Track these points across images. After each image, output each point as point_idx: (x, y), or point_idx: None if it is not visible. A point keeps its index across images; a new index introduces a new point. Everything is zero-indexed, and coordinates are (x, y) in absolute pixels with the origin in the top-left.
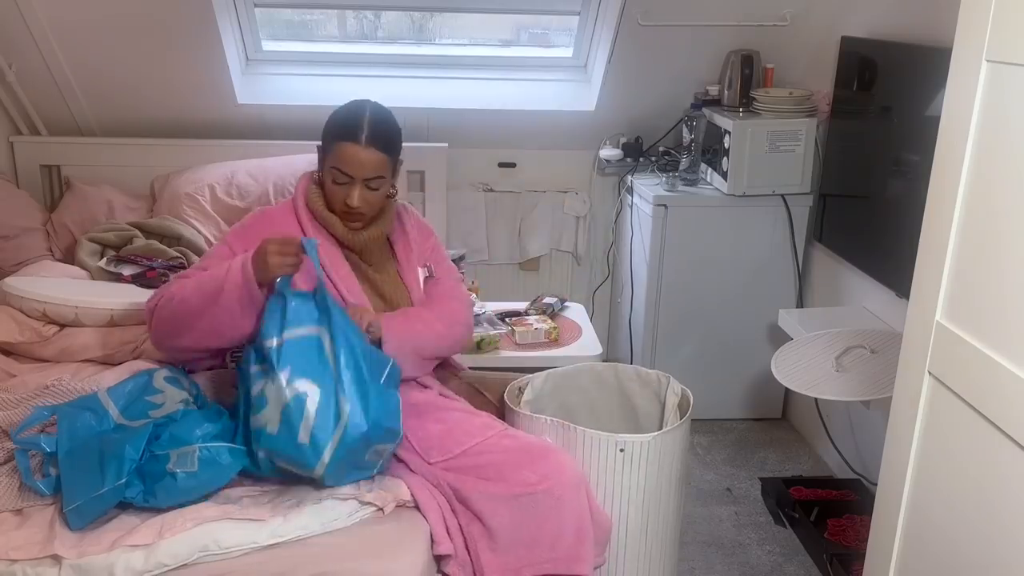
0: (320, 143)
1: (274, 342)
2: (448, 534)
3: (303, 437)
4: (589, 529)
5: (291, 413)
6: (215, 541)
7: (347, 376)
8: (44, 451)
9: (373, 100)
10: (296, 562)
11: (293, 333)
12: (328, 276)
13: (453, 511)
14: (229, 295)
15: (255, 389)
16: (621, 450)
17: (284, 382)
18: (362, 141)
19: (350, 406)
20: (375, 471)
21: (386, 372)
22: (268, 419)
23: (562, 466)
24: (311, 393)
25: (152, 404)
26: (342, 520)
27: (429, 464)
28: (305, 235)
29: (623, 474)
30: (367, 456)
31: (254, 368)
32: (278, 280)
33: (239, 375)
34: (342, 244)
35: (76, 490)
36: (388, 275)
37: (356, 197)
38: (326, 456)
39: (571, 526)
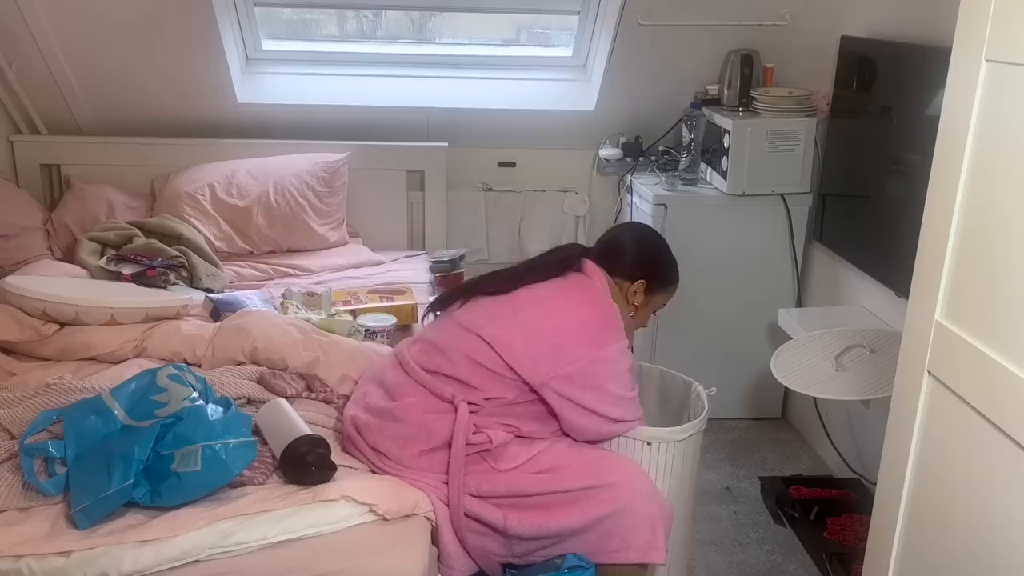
0: (657, 282)
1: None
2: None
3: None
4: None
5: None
6: (225, 537)
7: None
8: (53, 456)
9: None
10: (301, 561)
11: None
12: None
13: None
14: None
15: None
16: (648, 444)
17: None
18: None
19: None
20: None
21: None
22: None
23: (629, 476)
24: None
25: (157, 403)
26: (352, 519)
27: (498, 473)
28: None
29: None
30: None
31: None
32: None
33: None
34: None
35: (84, 492)
36: None
37: None
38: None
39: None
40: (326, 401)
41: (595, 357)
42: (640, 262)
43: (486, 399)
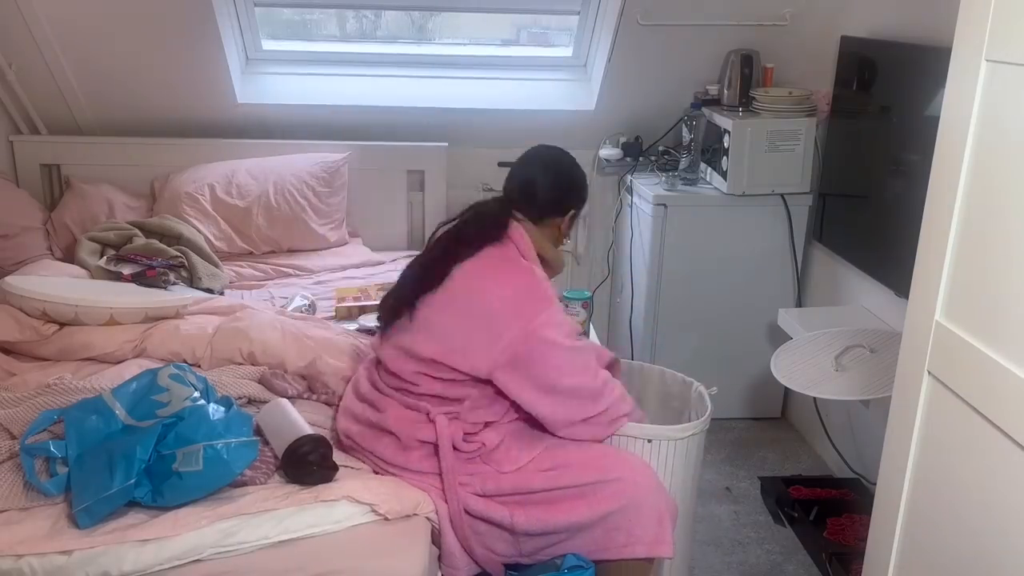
0: (580, 205)
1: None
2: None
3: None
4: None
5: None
6: (226, 537)
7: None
8: (54, 456)
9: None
10: (302, 560)
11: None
12: None
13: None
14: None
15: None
16: (648, 441)
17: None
18: None
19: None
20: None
21: None
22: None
23: (634, 471)
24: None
25: (159, 403)
26: (354, 519)
27: (503, 473)
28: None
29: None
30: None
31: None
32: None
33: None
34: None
35: (86, 491)
36: None
37: None
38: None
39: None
40: (327, 403)
41: (527, 333)
42: (562, 196)
43: (459, 402)
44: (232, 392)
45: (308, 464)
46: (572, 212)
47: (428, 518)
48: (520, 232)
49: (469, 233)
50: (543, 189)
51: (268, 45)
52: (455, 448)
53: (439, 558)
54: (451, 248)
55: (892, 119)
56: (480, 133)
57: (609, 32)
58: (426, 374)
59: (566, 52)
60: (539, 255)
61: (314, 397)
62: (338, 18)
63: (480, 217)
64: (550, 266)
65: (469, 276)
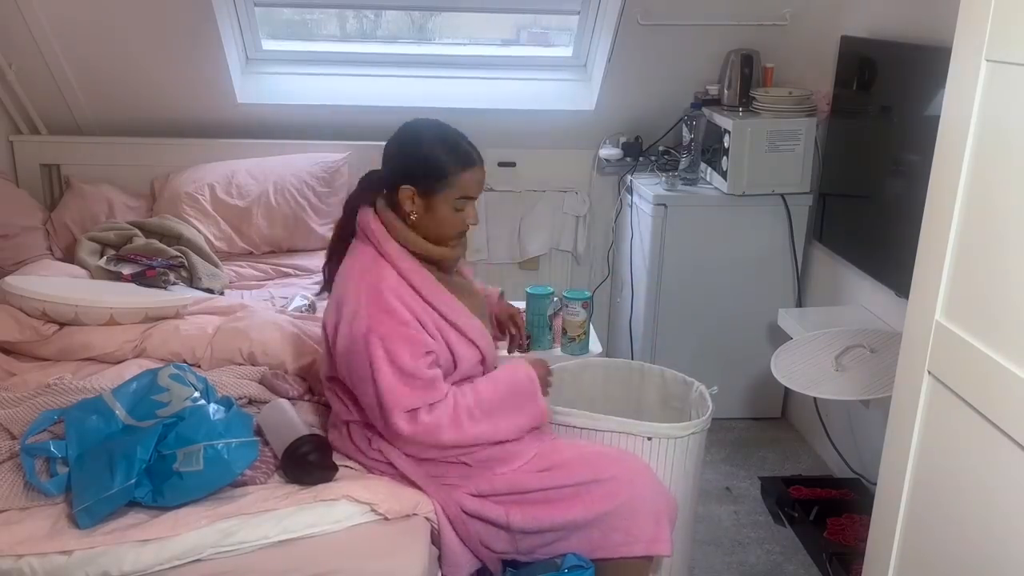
0: (422, 180)
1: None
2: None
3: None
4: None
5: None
6: (226, 537)
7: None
8: (55, 456)
9: (431, 120)
10: (302, 560)
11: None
12: (438, 309)
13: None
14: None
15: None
16: (648, 439)
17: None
18: (480, 162)
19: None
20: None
21: None
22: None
23: (630, 470)
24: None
25: (159, 403)
26: (353, 519)
27: (497, 474)
28: (409, 283)
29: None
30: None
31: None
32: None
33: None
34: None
35: (86, 491)
36: (472, 291)
37: (475, 214)
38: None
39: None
40: (327, 405)
41: (354, 338)
42: (395, 169)
43: None
44: (233, 392)
45: (308, 464)
46: (411, 190)
47: (427, 518)
48: (369, 219)
49: (341, 234)
50: (383, 163)
51: (268, 45)
52: (431, 458)
53: (439, 558)
54: (333, 247)
55: (892, 119)
56: (480, 133)
57: (609, 32)
58: (350, 402)
59: (566, 52)
60: (421, 255)
61: (315, 399)
62: (338, 18)
63: (348, 212)
64: (440, 262)
65: (339, 279)
